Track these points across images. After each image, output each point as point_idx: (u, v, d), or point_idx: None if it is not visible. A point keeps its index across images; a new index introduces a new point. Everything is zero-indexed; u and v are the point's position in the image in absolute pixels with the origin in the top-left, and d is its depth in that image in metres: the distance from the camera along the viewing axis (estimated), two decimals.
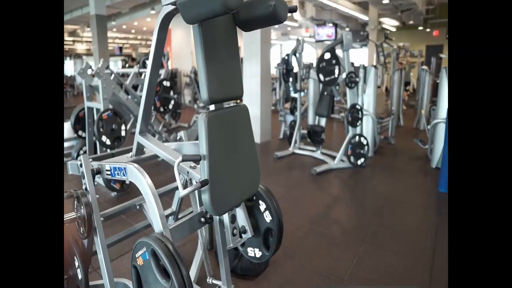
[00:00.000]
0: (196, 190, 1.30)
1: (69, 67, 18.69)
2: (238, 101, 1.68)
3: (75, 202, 1.48)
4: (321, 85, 4.32)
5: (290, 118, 5.09)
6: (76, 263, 1.51)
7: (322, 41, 11.34)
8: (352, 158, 3.82)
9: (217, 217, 1.40)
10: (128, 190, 3.18)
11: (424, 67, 6.45)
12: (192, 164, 1.37)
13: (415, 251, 2.11)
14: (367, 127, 4.29)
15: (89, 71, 3.32)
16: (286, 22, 12.29)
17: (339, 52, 4.01)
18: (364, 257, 2.06)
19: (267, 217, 1.50)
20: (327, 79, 3.70)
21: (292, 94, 5.02)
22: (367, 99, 4.26)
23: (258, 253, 1.57)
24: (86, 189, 1.46)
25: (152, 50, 1.37)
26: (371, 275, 1.88)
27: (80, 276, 1.49)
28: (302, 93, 4.72)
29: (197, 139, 1.32)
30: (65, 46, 20.01)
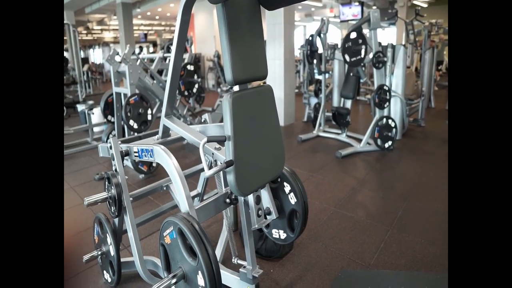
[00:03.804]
0: (221, 171, 1.30)
1: (98, 55, 19.19)
2: (262, 82, 1.66)
3: (106, 182, 1.54)
4: (346, 66, 4.19)
5: (314, 100, 5.00)
6: (109, 240, 1.58)
7: (347, 21, 10.91)
8: (379, 141, 3.71)
9: (242, 198, 1.41)
10: (155, 172, 3.27)
11: None
12: (217, 145, 1.38)
13: (445, 237, 2.03)
14: (395, 109, 4.14)
15: (117, 58, 3.38)
16: (309, 2, 11.91)
17: (365, 31, 3.84)
18: (391, 242, 2.01)
19: (292, 199, 1.50)
20: (353, 59, 3.56)
21: (317, 76, 4.91)
22: (396, 80, 4.08)
23: (283, 235, 1.57)
24: (116, 170, 1.51)
25: (176, 33, 1.37)
26: (398, 260, 1.84)
27: (112, 253, 1.56)
28: (327, 75, 4.59)
29: (221, 121, 1.32)
30: (93, 35, 20.51)
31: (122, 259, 1.65)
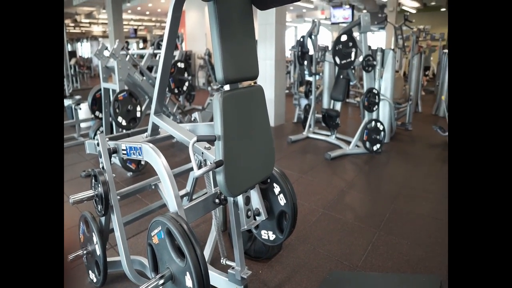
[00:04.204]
0: (211, 171, 1.29)
1: (86, 49, 18.84)
2: (253, 82, 1.65)
3: (93, 180, 1.50)
4: (337, 68, 4.20)
5: (304, 101, 5.01)
6: (95, 239, 1.55)
7: (338, 23, 10.99)
8: (367, 144, 3.74)
9: (231, 198, 1.39)
10: (143, 171, 3.22)
11: (446, 51, 6.19)
12: (207, 145, 1.37)
13: (431, 240, 2.07)
14: (384, 112, 4.19)
15: (106, 52, 3.32)
16: (301, 4, 11.95)
17: (356, 34, 3.87)
18: (378, 244, 2.03)
19: (282, 200, 1.49)
20: (343, 62, 3.59)
21: (307, 77, 4.92)
22: (385, 84, 4.13)
23: (272, 236, 1.57)
24: (103, 167, 1.48)
25: (166, 30, 1.35)
26: (385, 262, 1.86)
27: (98, 252, 1.52)
28: (317, 77, 4.61)
29: (211, 120, 1.31)
30: (81, 29, 20.11)
31: (108, 259, 1.61)
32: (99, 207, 1.47)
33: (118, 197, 1.53)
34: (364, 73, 3.80)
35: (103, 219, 1.56)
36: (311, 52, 4.51)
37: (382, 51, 3.96)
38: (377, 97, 3.75)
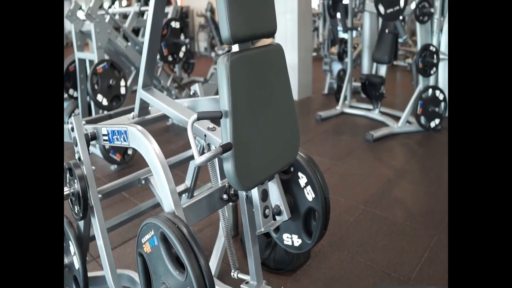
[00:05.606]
0: (217, 158, 1.29)
1: None
2: (269, 41, 1.63)
3: (67, 175, 1.53)
4: (380, 20, 4.12)
5: (338, 66, 4.97)
6: (72, 250, 1.58)
7: None
8: (422, 119, 3.71)
9: (244, 193, 1.40)
10: (131, 162, 3.29)
11: None
12: (211, 125, 1.38)
13: None
14: (445, 77, 4.08)
15: (80, 14, 3.35)
16: None
17: None
18: (438, 250, 2.02)
19: (309, 194, 1.49)
20: (389, 11, 3.52)
21: (341, 34, 4.87)
22: (446, 38, 4.01)
23: (297, 241, 1.57)
24: (79, 158, 1.50)
25: None
26: (447, 274, 1.84)
27: (77, 266, 1.56)
28: (355, 32, 4.53)
29: (216, 94, 1.30)
30: None
31: (90, 274, 1.66)
32: (76, 209, 1.51)
33: (100, 195, 1.56)
34: (417, 25, 3.72)
35: (81, 223, 1.60)
36: (346, 0, 4.44)
37: None
38: (435, 56, 3.68)
